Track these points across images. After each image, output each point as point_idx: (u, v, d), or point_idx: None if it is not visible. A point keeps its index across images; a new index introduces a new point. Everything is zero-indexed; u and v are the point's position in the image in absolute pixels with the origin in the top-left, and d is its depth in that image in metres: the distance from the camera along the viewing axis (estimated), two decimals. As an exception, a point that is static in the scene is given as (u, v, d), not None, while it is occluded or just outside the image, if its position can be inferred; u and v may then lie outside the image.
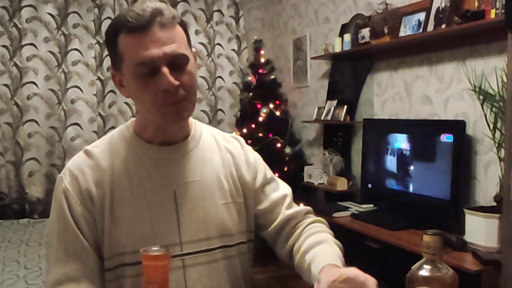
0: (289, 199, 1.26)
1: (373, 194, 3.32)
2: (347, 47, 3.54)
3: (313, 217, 1.28)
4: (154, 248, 0.92)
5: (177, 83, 1.00)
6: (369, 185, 3.32)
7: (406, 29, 3.05)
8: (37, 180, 4.21)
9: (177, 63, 1.01)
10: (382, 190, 3.19)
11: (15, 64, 4.18)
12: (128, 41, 1.00)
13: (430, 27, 2.84)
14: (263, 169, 1.26)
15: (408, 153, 2.96)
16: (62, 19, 4.30)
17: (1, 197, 4.15)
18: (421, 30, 2.92)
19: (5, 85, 4.17)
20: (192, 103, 1.07)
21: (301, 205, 1.31)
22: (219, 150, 1.21)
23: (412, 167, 2.93)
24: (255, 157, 1.27)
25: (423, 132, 2.89)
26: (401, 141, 3.04)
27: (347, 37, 3.56)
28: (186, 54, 1.03)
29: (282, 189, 1.27)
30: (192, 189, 1.12)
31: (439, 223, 2.72)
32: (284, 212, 1.23)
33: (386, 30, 3.14)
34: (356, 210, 3.21)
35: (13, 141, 4.19)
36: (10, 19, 4.18)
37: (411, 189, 2.93)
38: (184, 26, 1.07)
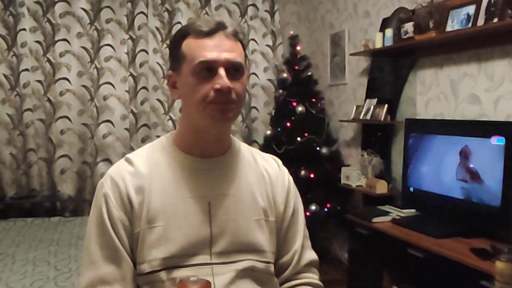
0: (305, 242, 1.29)
1: (415, 198, 3.14)
2: (389, 42, 3.36)
3: (315, 278, 1.29)
4: (192, 279, 0.94)
5: (230, 85, 1.07)
6: (411, 189, 3.14)
7: (454, 24, 2.85)
8: (68, 178, 4.18)
9: (234, 70, 1.09)
10: (425, 194, 3.01)
11: (48, 60, 4.16)
12: (193, 43, 1.10)
13: (481, 21, 2.65)
14: (294, 197, 1.28)
15: (454, 156, 2.77)
16: (95, 14, 4.25)
17: (33, 194, 4.15)
18: (470, 25, 2.72)
19: (39, 81, 4.15)
20: (238, 109, 1.13)
21: (311, 253, 1.31)
22: (256, 168, 1.25)
23: (458, 171, 2.74)
24: (290, 181, 1.30)
25: (471, 133, 2.70)
26: (446, 143, 2.85)
27: (389, 32, 3.37)
28: (243, 65, 1.12)
29: (300, 229, 1.28)
30: (226, 202, 1.16)
31: (488, 231, 2.57)
32: (294, 257, 1.25)
33: (431, 25, 2.95)
34: (397, 215, 3.04)
35: (45, 138, 4.18)
36: (44, 14, 4.16)
37: (457, 194, 2.74)
38: (243, 45, 1.16)
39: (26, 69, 4.08)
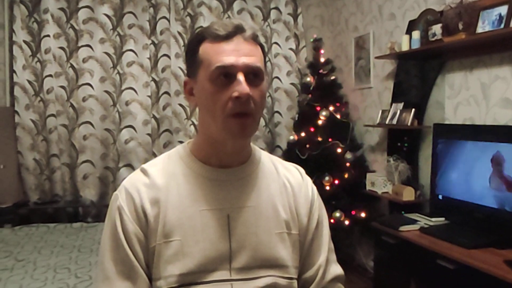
0: (331, 256, 1.22)
1: (445, 206, 3.02)
2: (416, 45, 3.25)
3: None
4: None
5: (250, 92, 1.01)
6: (440, 196, 3.03)
7: (485, 25, 2.74)
8: (91, 183, 4.19)
9: (253, 75, 1.03)
10: (455, 202, 2.89)
11: (72, 66, 4.18)
12: (210, 47, 1.04)
13: (514, 22, 2.53)
14: (318, 208, 1.22)
15: (485, 162, 2.65)
16: (118, 20, 4.25)
17: (56, 199, 4.16)
18: (502, 26, 2.61)
19: (62, 86, 4.17)
20: (257, 122, 1.07)
21: (337, 267, 1.23)
22: (277, 178, 1.18)
23: (491, 178, 2.62)
24: (314, 192, 1.23)
25: (504, 139, 2.58)
26: (477, 149, 2.74)
27: (416, 34, 3.27)
28: (262, 71, 1.06)
29: (325, 242, 1.21)
30: (246, 215, 1.10)
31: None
32: (318, 272, 1.18)
33: (461, 26, 2.85)
34: (425, 224, 2.93)
35: (68, 143, 4.19)
36: (68, 20, 4.18)
37: (490, 203, 2.63)
38: (263, 49, 1.10)
39: (50, 75, 4.11)
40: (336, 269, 1.22)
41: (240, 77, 1.01)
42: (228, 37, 1.04)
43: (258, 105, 1.05)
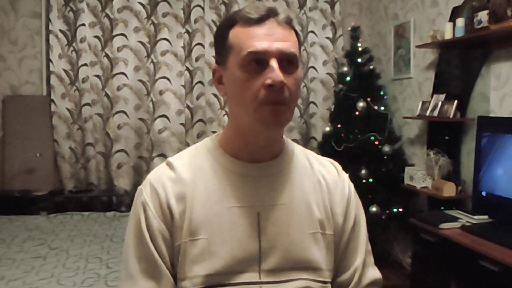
0: (368, 258, 1.13)
1: (488, 203, 2.87)
2: (460, 33, 3.09)
3: None
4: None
5: (283, 79, 0.94)
6: (483, 193, 2.88)
7: (537, 11, 2.56)
8: (125, 172, 4.20)
9: (287, 62, 0.96)
10: (500, 199, 2.74)
11: (106, 55, 4.18)
12: (241, 32, 0.97)
13: None
14: (355, 207, 1.13)
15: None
16: (152, 8, 4.22)
17: (91, 188, 4.19)
18: (557, 12, 2.43)
19: (97, 75, 4.18)
20: (291, 112, 0.99)
21: (374, 271, 1.14)
22: (312, 174, 1.10)
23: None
24: (351, 189, 1.14)
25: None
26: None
27: (460, 21, 3.11)
28: (297, 57, 0.98)
29: (362, 243, 1.12)
30: (277, 213, 1.03)
31: None
32: (354, 276, 1.10)
33: (509, 13, 2.68)
34: (467, 222, 2.79)
35: (103, 132, 4.21)
36: (103, 9, 4.18)
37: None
38: (297, 33, 1.03)
39: (85, 64, 4.12)
40: (374, 273, 1.13)
41: (273, 63, 0.94)
42: (260, 20, 0.96)
43: (293, 93, 0.98)
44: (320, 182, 1.10)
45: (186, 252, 0.99)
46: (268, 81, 0.93)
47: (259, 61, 0.95)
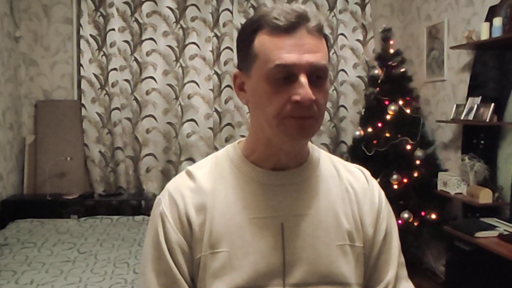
0: (401, 272, 1.05)
1: (527, 211, 2.75)
2: (497, 33, 2.98)
3: None
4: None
5: (313, 97, 0.88)
6: (522, 200, 2.76)
7: None
8: (153, 176, 4.21)
9: (317, 75, 0.90)
10: (540, 207, 2.62)
11: (135, 59, 4.20)
12: (268, 40, 0.90)
13: None
14: (386, 217, 1.06)
15: None
16: (181, 13, 4.22)
17: (120, 192, 4.21)
18: None
19: (126, 80, 4.20)
20: (319, 124, 0.94)
21: (408, 285, 1.07)
22: (339, 182, 1.04)
23: None
24: (382, 198, 1.07)
25: None
26: None
27: (497, 21, 3.00)
28: (327, 68, 0.92)
29: (394, 256, 1.05)
30: (303, 224, 0.97)
31: None
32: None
33: (551, 12, 2.56)
34: (504, 230, 2.68)
35: (132, 137, 4.23)
36: (132, 14, 4.20)
37: None
38: (327, 39, 0.96)
39: (115, 69, 4.15)
40: (408, 287, 1.06)
41: (303, 79, 0.88)
42: (289, 28, 0.89)
43: (322, 107, 0.92)
44: (348, 190, 1.04)
45: (207, 266, 0.94)
46: (297, 98, 0.88)
47: (287, 74, 0.88)
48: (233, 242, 0.95)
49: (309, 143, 1.06)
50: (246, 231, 0.95)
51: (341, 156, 4.27)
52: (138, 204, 4.24)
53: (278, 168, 1.00)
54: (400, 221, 3.61)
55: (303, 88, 0.87)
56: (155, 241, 0.97)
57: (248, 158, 1.01)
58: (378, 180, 3.67)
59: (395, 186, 3.70)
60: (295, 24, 0.89)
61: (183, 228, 0.96)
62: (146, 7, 4.16)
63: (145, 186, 4.20)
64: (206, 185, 0.99)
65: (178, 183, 1.01)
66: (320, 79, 0.91)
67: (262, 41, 0.91)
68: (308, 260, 0.96)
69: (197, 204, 0.97)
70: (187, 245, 0.96)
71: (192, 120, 4.21)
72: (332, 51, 4.37)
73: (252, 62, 0.92)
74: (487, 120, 3.10)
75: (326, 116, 4.35)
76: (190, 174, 1.02)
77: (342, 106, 4.43)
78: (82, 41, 4.14)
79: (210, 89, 4.24)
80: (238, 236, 0.95)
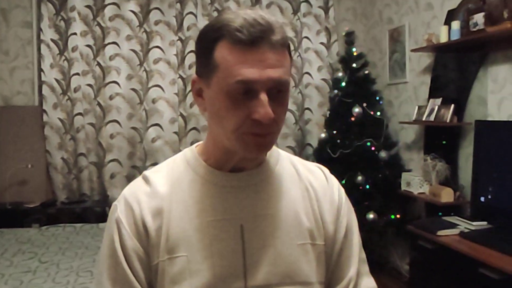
0: (362, 268, 1.06)
1: (487, 209, 2.81)
2: (456, 36, 3.05)
3: None
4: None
5: (273, 115, 0.86)
6: (482, 199, 2.82)
7: (533, 12, 2.52)
8: (118, 182, 4.13)
9: (278, 90, 0.88)
10: (499, 205, 2.69)
11: (98, 64, 4.13)
12: (230, 53, 0.86)
13: None
14: (346, 214, 1.06)
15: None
16: (144, 16, 4.18)
17: (84, 199, 4.13)
18: (553, 13, 2.39)
19: (89, 85, 4.13)
20: (277, 137, 0.94)
21: (369, 280, 1.07)
22: (299, 181, 1.04)
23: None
24: (341, 195, 1.07)
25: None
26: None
27: (455, 24, 3.07)
28: (289, 83, 0.91)
29: (355, 252, 1.05)
30: (263, 224, 0.97)
31: None
32: (348, 287, 1.03)
33: (506, 15, 2.64)
34: (465, 228, 2.73)
35: (96, 142, 4.15)
36: (94, 18, 4.14)
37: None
38: (290, 50, 0.93)
39: (77, 73, 4.07)
40: (369, 283, 1.06)
41: (263, 97, 0.85)
42: (253, 43, 0.85)
43: (281, 122, 0.91)
44: (308, 189, 1.04)
45: (165, 272, 0.92)
46: (256, 116, 0.86)
47: (246, 90, 0.86)
48: (191, 246, 0.93)
49: None
50: (204, 234, 0.94)
51: (307, 158, 4.30)
52: (103, 211, 4.15)
53: (236, 170, 0.98)
54: (365, 222, 3.64)
55: (263, 107, 0.85)
56: (111, 248, 0.95)
57: (205, 161, 1.00)
58: (344, 181, 3.71)
59: (360, 187, 3.73)
60: (259, 38, 0.85)
61: (139, 234, 0.94)
62: (109, 10, 4.10)
63: (109, 192, 4.12)
64: (162, 190, 0.97)
65: (134, 189, 0.99)
66: (281, 93, 0.89)
67: (223, 52, 0.87)
68: (269, 260, 0.95)
69: (154, 209, 0.95)
70: (144, 251, 0.94)
71: (157, 124, 4.16)
72: (297, 54, 4.40)
73: (212, 73, 0.89)
74: (448, 121, 3.17)
75: (292, 119, 4.37)
76: (146, 179, 1.00)
77: (307, 108, 4.45)
78: (42, 46, 4.05)
79: (175, 93, 4.20)
80: (197, 239, 0.94)
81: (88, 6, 4.12)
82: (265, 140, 0.90)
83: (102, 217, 4.07)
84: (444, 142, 3.38)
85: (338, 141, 3.93)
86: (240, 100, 0.86)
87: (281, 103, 0.90)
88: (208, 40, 0.90)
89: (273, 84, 0.86)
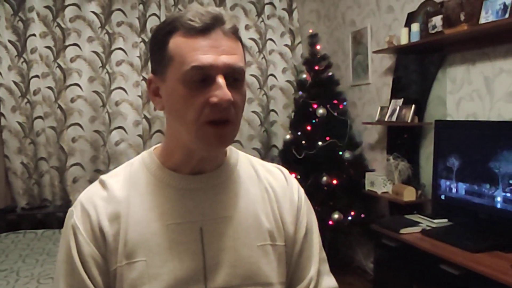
0: (322, 267, 1.07)
1: (447, 207, 2.88)
2: (415, 38, 3.11)
3: None
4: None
5: (231, 97, 0.86)
6: (442, 197, 2.89)
7: (488, 15, 2.59)
8: (81, 187, 4.03)
9: (234, 77, 0.89)
10: (459, 202, 2.75)
11: (59, 66, 4.03)
12: (184, 42, 0.87)
13: (519, 11, 2.39)
14: (306, 214, 1.07)
15: (489, 160, 2.51)
16: (106, 18, 4.11)
17: (45, 204, 4.03)
18: (507, 15, 2.47)
19: (49, 87, 4.03)
20: (236, 130, 0.93)
21: (330, 279, 1.09)
22: (258, 183, 1.04)
23: (495, 177, 2.48)
24: (301, 195, 1.08)
25: (509, 136, 2.44)
26: (481, 146, 2.59)
27: (415, 27, 3.13)
28: (244, 71, 0.92)
29: (315, 252, 1.06)
30: (222, 227, 0.96)
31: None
32: (309, 287, 1.04)
33: (462, 17, 2.71)
34: (427, 226, 2.79)
35: (57, 146, 4.05)
36: (54, 19, 4.04)
37: (496, 203, 2.48)
38: (242, 43, 0.94)
39: (37, 76, 3.96)
40: (329, 282, 1.08)
41: (220, 80, 0.86)
42: (205, 30, 0.87)
43: (239, 110, 0.91)
44: (267, 190, 1.04)
45: (123, 277, 0.91)
46: (214, 99, 0.86)
47: (203, 76, 0.86)
48: (150, 251, 0.92)
49: None
50: (164, 238, 0.93)
51: (272, 160, 4.31)
52: (65, 216, 4.05)
53: (195, 172, 0.98)
54: (331, 222, 3.68)
55: (221, 89, 0.86)
56: (67, 255, 0.93)
57: (164, 164, 0.99)
58: (309, 182, 3.73)
59: (325, 188, 3.76)
60: (210, 25, 0.87)
61: (96, 239, 0.93)
62: (69, 11, 4.01)
63: (72, 197, 4.03)
64: (120, 194, 0.96)
65: (91, 193, 0.98)
66: (237, 82, 0.90)
67: (177, 43, 0.88)
68: (229, 262, 0.95)
69: (111, 213, 0.94)
70: (101, 257, 0.93)
71: (120, 127, 4.10)
72: (261, 56, 4.41)
73: (167, 65, 0.90)
74: (409, 121, 3.23)
75: (257, 121, 4.37)
76: (103, 183, 0.98)
77: (273, 110, 4.46)
78: (0, 47, 3.92)
79: (139, 96, 4.14)
80: (156, 243, 0.93)
81: (47, 7, 4.01)
82: (225, 130, 0.89)
83: (65, 223, 3.98)
84: (406, 141, 3.44)
85: (303, 142, 3.96)
86: (197, 88, 0.87)
87: (238, 92, 0.90)
88: (161, 34, 0.91)
89: (228, 70, 0.87)
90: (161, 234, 0.93)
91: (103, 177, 1.00)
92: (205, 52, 0.86)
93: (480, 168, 2.58)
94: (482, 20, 2.60)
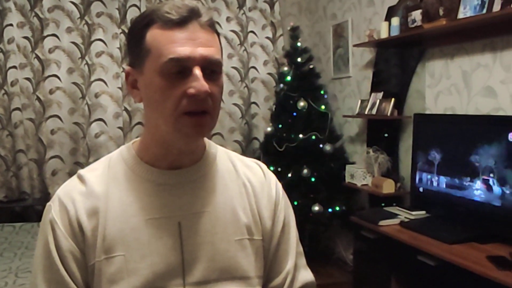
0: (299, 261, 1.09)
1: (425, 199, 2.93)
2: (395, 32, 3.14)
3: None
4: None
5: (208, 89, 0.88)
6: (421, 189, 2.93)
7: (466, 10, 2.62)
8: (60, 179, 3.99)
9: (211, 69, 0.90)
10: (436, 195, 2.80)
11: (37, 57, 3.97)
12: (161, 34, 0.89)
13: (497, 7, 2.43)
14: (283, 209, 1.08)
15: (467, 153, 2.56)
16: (85, 8, 4.05)
17: (24, 197, 3.97)
18: (484, 11, 2.50)
19: (27, 78, 3.96)
20: (214, 121, 0.94)
21: (306, 273, 1.11)
22: (236, 178, 1.05)
23: (473, 170, 2.53)
24: (279, 190, 1.10)
25: (486, 129, 2.49)
26: (458, 140, 2.64)
27: (395, 21, 3.16)
28: (221, 64, 0.93)
29: (292, 246, 1.08)
30: (201, 221, 0.97)
31: (506, 237, 2.35)
32: (286, 280, 1.05)
33: (441, 12, 2.75)
34: (405, 218, 2.84)
35: (35, 138, 3.99)
36: (32, 8, 3.96)
37: (472, 195, 2.53)
38: (219, 36, 0.97)
39: (14, 67, 3.89)
40: (306, 275, 1.09)
41: (197, 71, 0.88)
42: (182, 22, 0.89)
43: (217, 101, 0.93)
44: (245, 185, 1.05)
45: (102, 272, 0.92)
46: (191, 91, 0.87)
47: (180, 68, 0.88)
48: (128, 245, 0.93)
49: (206, 139, 1.06)
50: (142, 233, 0.94)
51: (253, 152, 4.32)
52: (44, 210, 4.01)
53: (173, 167, 0.99)
54: (311, 214, 3.71)
55: (198, 81, 0.87)
56: (45, 249, 0.93)
57: (142, 158, 0.99)
58: (289, 174, 3.75)
59: (306, 180, 3.79)
60: (187, 18, 0.89)
61: (74, 234, 0.93)
62: (47, 1, 3.94)
63: (51, 190, 3.98)
64: (98, 189, 0.96)
65: (69, 188, 0.98)
66: (215, 74, 0.91)
67: (154, 35, 0.90)
68: (207, 257, 0.96)
69: (89, 208, 0.94)
70: (80, 251, 0.93)
71: (100, 119, 4.05)
72: (243, 48, 4.40)
73: (145, 58, 0.91)
74: (388, 114, 3.27)
75: (238, 113, 4.37)
76: (81, 178, 0.99)
77: (254, 103, 4.46)
78: (-25, 38, 3.85)
79: (119, 87, 4.10)
80: (134, 238, 0.93)
81: (25, -4, 3.95)
82: (202, 120, 0.90)
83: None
84: (385, 135, 3.48)
85: (284, 134, 3.97)
86: (174, 80, 0.88)
87: (216, 83, 0.91)
88: (138, 27, 0.93)
89: (205, 62, 0.89)
90: (140, 229, 0.94)
91: (81, 171, 1.00)
92: (182, 44, 0.88)
93: (457, 161, 2.63)
94: (460, 15, 2.63)
